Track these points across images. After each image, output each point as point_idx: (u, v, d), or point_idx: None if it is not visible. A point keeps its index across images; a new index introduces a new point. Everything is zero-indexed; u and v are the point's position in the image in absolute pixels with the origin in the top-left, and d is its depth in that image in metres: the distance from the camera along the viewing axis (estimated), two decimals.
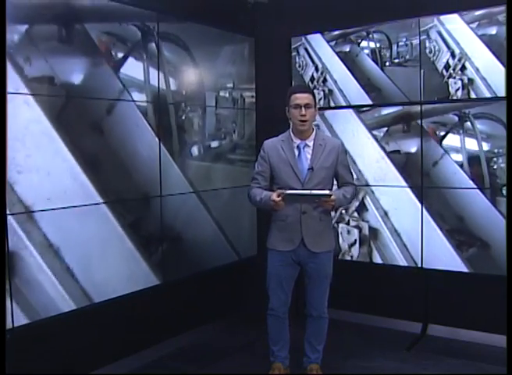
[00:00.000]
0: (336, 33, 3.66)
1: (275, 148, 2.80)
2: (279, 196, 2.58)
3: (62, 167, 2.65)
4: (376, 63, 3.54)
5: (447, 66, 3.22)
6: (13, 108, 2.41)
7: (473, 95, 3.17)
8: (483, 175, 3.14)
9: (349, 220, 3.48)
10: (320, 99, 3.71)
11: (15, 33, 2.42)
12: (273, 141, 2.84)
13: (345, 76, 3.62)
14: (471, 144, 3.18)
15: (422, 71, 3.32)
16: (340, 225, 3.50)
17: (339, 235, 3.52)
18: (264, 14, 3.94)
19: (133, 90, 2.99)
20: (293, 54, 3.88)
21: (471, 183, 3.19)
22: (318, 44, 3.71)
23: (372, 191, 3.43)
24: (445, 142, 3.28)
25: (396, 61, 3.45)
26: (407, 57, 3.41)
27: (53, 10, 2.58)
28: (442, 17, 3.24)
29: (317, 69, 3.72)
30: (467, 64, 3.18)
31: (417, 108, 3.34)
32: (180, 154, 3.35)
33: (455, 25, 3.22)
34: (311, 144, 2.77)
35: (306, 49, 3.77)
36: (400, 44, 3.41)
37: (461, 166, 3.22)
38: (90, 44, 2.76)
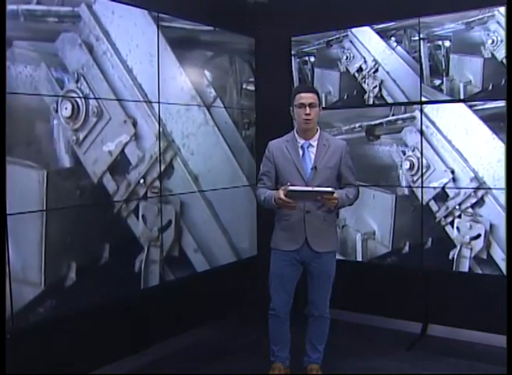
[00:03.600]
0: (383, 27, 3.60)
1: (279, 148, 2.81)
2: (285, 195, 2.58)
3: (221, 155, 3.74)
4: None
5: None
6: (193, 114, 3.50)
7: None
8: None
9: (460, 214, 3.35)
10: (375, 87, 3.64)
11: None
12: (278, 142, 2.85)
13: (398, 67, 3.56)
14: None
15: (484, 60, 3.25)
16: (456, 220, 3.37)
17: (454, 229, 3.38)
18: (264, 14, 3.94)
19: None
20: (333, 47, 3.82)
21: None
22: (366, 36, 3.65)
23: (490, 189, 3.24)
24: None
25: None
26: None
27: None
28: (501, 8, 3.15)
29: (365, 60, 3.67)
30: None
31: None
32: None
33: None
34: (315, 144, 2.78)
35: (351, 42, 3.71)
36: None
37: None
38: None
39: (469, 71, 3.32)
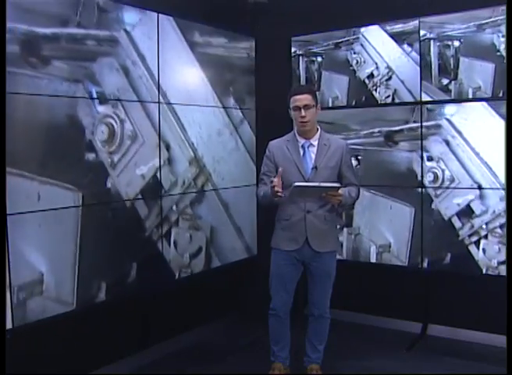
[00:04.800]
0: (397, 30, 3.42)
1: (280, 148, 2.81)
2: (291, 192, 2.53)
3: (239, 157, 3.82)
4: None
5: None
6: (210, 119, 3.54)
7: None
8: None
9: (487, 235, 3.10)
10: (388, 97, 3.47)
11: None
12: (278, 141, 2.85)
13: (413, 75, 3.38)
14: None
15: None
16: (482, 240, 3.12)
17: (480, 250, 3.13)
18: (264, 14, 3.93)
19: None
20: (345, 50, 3.68)
21: None
22: (379, 40, 3.46)
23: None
24: None
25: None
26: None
27: None
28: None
29: (377, 66, 3.48)
30: None
31: None
32: None
33: None
34: (315, 143, 2.77)
35: (362, 45, 3.53)
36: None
37: None
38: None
39: (479, 76, 3.17)
